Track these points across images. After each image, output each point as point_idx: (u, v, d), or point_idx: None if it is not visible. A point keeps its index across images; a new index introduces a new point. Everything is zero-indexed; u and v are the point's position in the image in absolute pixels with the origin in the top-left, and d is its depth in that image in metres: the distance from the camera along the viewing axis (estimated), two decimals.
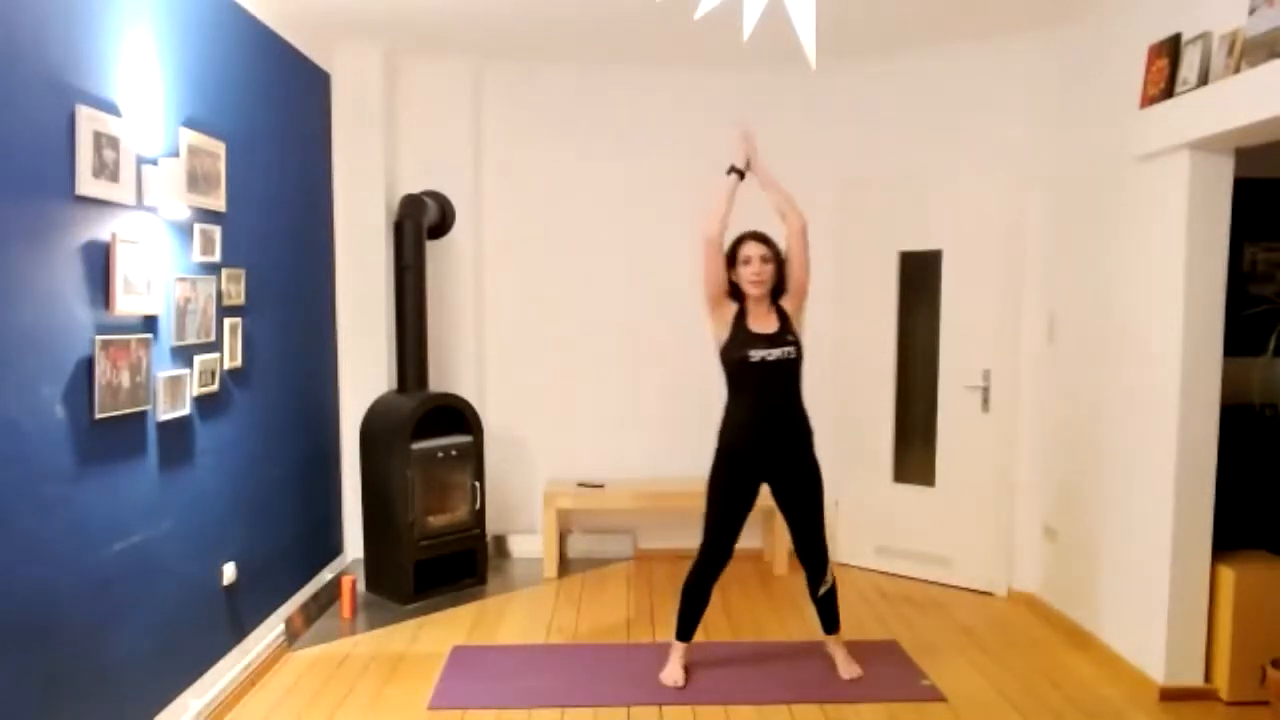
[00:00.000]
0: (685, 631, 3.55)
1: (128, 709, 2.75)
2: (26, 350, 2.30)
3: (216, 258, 3.30)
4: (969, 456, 4.60)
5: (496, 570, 4.90)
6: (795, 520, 3.51)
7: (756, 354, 3.33)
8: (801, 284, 3.44)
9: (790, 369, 3.38)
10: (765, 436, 3.40)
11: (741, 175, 3.39)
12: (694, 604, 3.52)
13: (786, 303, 3.44)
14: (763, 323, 3.39)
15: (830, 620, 3.59)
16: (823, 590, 3.53)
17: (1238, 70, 2.90)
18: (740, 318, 3.40)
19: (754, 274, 3.36)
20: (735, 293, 3.43)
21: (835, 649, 3.61)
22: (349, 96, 4.66)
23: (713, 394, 3.51)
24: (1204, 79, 3.09)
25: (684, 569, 3.56)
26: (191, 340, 3.12)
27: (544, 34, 4.48)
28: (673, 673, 3.50)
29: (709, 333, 3.48)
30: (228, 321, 3.41)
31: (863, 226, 4.91)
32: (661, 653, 3.61)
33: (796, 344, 3.39)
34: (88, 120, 2.50)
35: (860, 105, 4.91)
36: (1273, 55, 2.73)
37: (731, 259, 3.42)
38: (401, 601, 4.38)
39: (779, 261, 3.42)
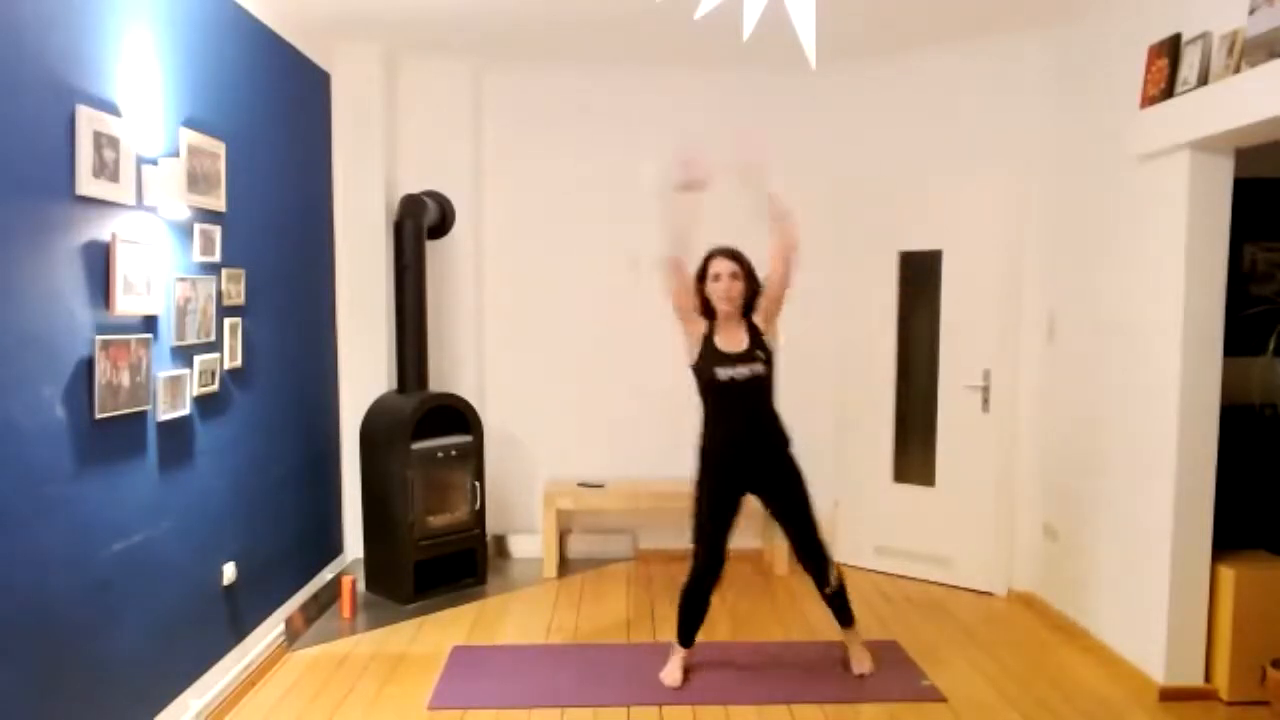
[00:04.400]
0: (686, 638, 3.56)
1: (128, 709, 2.75)
2: (27, 350, 2.30)
3: (216, 258, 3.30)
4: (969, 456, 4.60)
5: (496, 570, 4.90)
6: (788, 527, 3.53)
7: (724, 373, 3.36)
8: (778, 297, 3.43)
9: (760, 384, 3.39)
10: (742, 451, 3.43)
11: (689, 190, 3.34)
12: (693, 612, 3.54)
13: (758, 316, 3.45)
14: (732, 340, 3.40)
15: (843, 615, 3.61)
16: (829, 591, 3.53)
17: (1238, 70, 2.90)
18: (709, 335, 3.42)
19: (723, 290, 3.39)
20: (708, 308, 3.44)
21: (849, 642, 3.63)
22: (349, 96, 4.66)
23: None
24: (1204, 79, 3.09)
25: (684, 569, 3.55)
26: (191, 340, 3.13)
27: (544, 34, 4.48)
28: (672, 673, 3.51)
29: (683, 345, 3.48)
30: (228, 321, 3.41)
31: (862, 226, 4.92)
32: (661, 652, 3.61)
33: (767, 360, 3.39)
34: (88, 120, 2.50)
35: (860, 105, 4.91)
36: (1273, 55, 2.73)
37: (702, 275, 3.44)
38: (401, 601, 4.38)
39: (749, 278, 3.43)
